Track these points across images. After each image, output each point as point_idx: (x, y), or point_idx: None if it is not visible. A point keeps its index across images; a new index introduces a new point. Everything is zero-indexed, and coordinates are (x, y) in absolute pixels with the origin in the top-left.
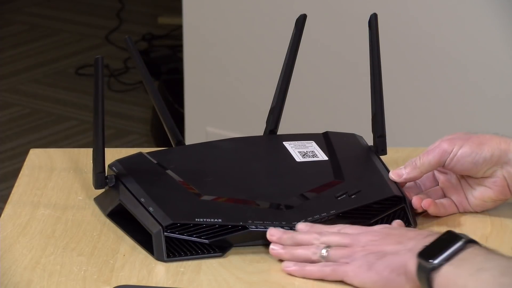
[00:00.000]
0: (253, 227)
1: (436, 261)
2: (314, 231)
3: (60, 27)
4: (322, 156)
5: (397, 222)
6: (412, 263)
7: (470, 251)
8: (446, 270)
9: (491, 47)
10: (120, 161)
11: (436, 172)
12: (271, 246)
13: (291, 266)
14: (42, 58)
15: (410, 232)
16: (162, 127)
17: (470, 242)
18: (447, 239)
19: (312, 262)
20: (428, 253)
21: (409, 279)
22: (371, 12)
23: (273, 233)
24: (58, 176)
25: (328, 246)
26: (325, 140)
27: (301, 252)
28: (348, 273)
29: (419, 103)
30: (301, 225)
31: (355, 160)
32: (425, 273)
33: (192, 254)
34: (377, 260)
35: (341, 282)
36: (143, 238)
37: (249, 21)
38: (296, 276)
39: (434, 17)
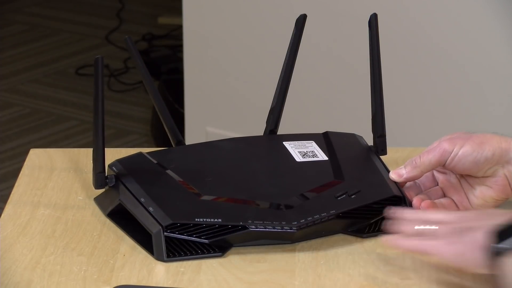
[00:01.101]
0: (253, 227)
1: (508, 246)
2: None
3: (60, 27)
4: (322, 156)
5: None
6: (486, 240)
7: None
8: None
9: (491, 47)
10: (120, 161)
11: (435, 172)
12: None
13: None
14: (42, 58)
15: (497, 210)
16: (162, 127)
17: None
18: None
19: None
20: (501, 234)
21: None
22: (371, 12)
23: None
24: (58, 176)
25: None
26: (325, 140)
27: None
28: (431, 247)
29: (419, 103)
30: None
31: (355, 160)
32: (493, 255)
33: (192, 254)
34: (461, 235)
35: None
36: (143, 238)
37: (249, 21)
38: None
39: (434, 17)
